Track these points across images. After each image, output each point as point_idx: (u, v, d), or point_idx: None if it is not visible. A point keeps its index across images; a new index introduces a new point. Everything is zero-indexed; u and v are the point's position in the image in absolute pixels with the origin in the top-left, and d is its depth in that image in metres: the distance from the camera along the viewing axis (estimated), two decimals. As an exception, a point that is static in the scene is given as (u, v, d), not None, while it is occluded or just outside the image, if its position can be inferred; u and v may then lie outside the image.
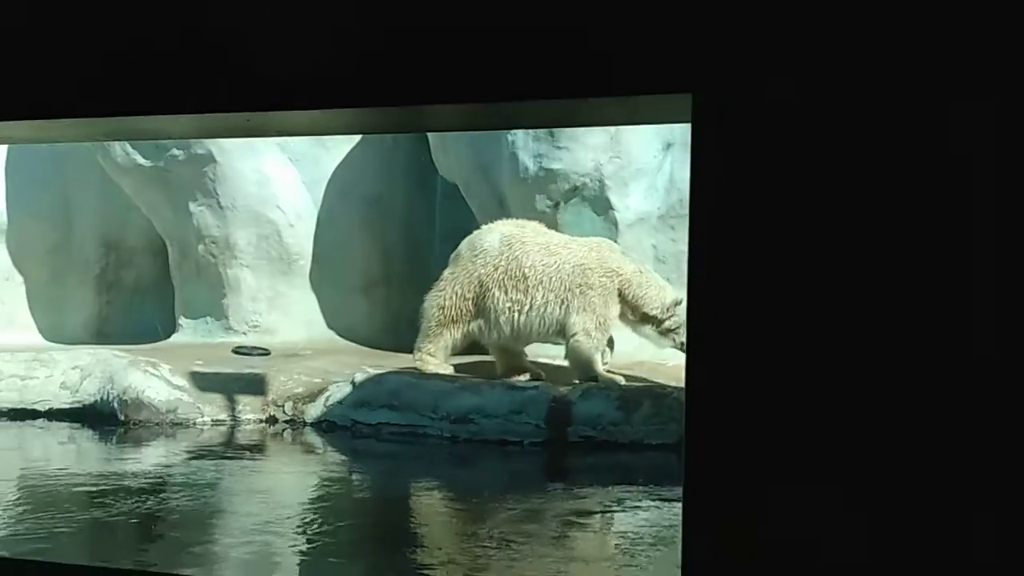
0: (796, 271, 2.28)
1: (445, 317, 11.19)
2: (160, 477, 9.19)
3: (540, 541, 7.04)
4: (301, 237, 14.67)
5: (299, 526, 7.38)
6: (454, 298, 11.19)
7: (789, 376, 2.30)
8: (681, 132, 11.64)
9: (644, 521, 7.66)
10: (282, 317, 14.44)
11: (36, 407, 11.36)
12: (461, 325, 11.20)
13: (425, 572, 6.34)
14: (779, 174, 2.37)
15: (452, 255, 11.74)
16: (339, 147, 14.62)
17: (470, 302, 11.16)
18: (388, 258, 15.00)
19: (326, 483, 9.17)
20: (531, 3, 2.41)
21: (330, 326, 14.58)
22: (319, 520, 7.59)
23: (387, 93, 2.54)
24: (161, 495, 8.32)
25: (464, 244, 11.64)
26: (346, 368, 11.46)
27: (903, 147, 2.30)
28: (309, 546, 6.77)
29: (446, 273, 11.59)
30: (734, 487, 2.32)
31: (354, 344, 13.95)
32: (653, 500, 7.97)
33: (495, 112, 2.61)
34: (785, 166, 2.35)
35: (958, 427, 2.20)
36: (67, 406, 11.32)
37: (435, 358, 11.17)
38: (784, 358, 2.32)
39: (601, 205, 12.64)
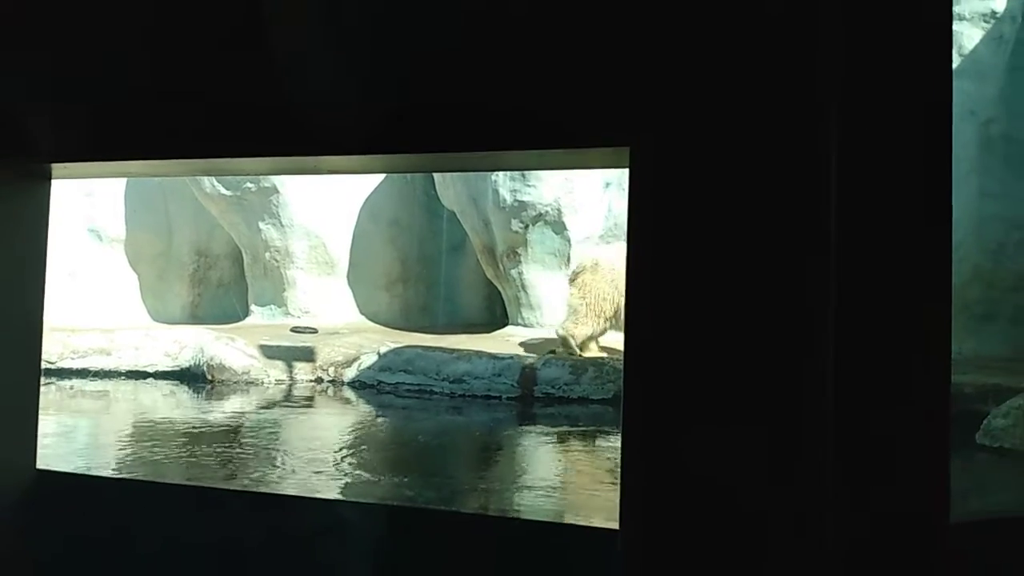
0: (705, 266, 2.28)
1: (589, 311, 10.91)
2: (239, 419, 9.15)
3: (512, 459, 7.13)
4: (341, 248, 14.69)
5: (339, 452, 7.37)
6: (593, 299, 10.92)
7: (707, 345, 2.30)
8: (617, 175, 11.69)
9: (587, 447, 7.72)
10: (326, 306, 14.42)
11: (146, 369, 11.28)
12: (599, 319, 10.94)
13: (433, 482, 6.33)
14: (692, 206, 2.36)
15: (574, 269, 11.40)
16: (371, 181, 14.64)
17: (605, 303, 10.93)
18: (404, 264, 15.03)
19: (359, 424, 9.15)
20: (511, 77, 2.40)
21: (362, 312, 14.57)
22: (355, 450, 7.58)
23: (404, 144, 2.52)
24: (240, 431, 8.28)
25: (585, 262, 11.31)
26: (373, 343, 11.43)
27: (794, 188, 2.29)
28: (346, 466, 6.75)
29: (580, 281, 11.13)
30: (662, 430, 2.32)
31: (379, 326, 13.95)
32: (592, 436, 8.09)
33: (481, 159, 2.61)
34: (697, 201, 2.35)
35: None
36: (168, 369, 11.24)
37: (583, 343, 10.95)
38: (698, 333, 2.32)
39: (559, 227, 12.68)
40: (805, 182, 2.27)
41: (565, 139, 2.47)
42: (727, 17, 2.41)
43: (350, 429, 8.66)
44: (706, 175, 2.36)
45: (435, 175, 13.57)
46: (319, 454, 7.14)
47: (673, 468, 2.36)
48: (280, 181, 14.02)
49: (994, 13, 11.24)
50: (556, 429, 8.69)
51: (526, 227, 12.67)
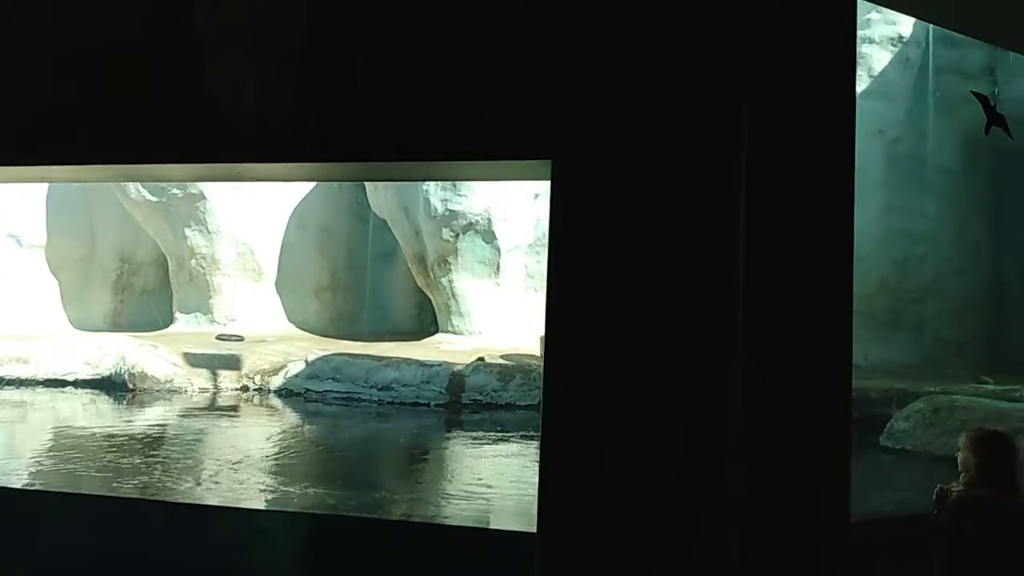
0: (621, 276, 2.35)
1: None
2: (160, 428, 8.90)
3: (437, 465, 7.12)
4: (269, 255, 14.47)
5: (263, 461, 7.25)
6: None
7: (616, 356, 2.36)
8: (545, 186, 11.79)
9: (511, 452, 7.76)
10: (253, 313, 14.17)
11: (65, 378, 10.92)
12: None
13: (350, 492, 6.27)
14: (610, 217, 2.43)
15: None
16: (300, 188, 14.44)
17: None
18: (334, 272, 14.88)
19: (283, 433, 9.01)
20: (437, 91, 2.43)
21: (290, 320, 14.37)
22: (277, 458, 7.46)
23: (330, 153, 2.53)
24: (159, 439, 8.06)
25: None
26: (301, 351, 11.29)
27: (692, 195, 2.37)
28: (268, 476, 6.64)
29: None
30: (579, 435, 2.37)
31: (308, 334, 13.75)
32: (519, 440, 8.12)
33: (408, 170, 2.63)
34: (615, 212, 2.42)
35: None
36: (89, 378, 10.90)
37: None
38: (615, 340, 2.38)
39: (489, 236, 12.72)
40: (716, 196, 2.36)
41: (490, 151, 2.52)
42: (646, 40, 2.50)
43: (274, 438, 8.51)
44: (624, 188, 2.43)
45: (366, 184, 13.48)
46: (240, 464, 6.99)
47: (590, 471, 2.41)
48: (207, 187, 13.73)
49: (901, 37, 11.73)
50: (483, 435, 8.71)
51: (457, 236, 12.69)
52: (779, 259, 2.36)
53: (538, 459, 2.42)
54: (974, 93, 3.78)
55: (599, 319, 2.39)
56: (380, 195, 13.49)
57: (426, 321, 14.19)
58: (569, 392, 2.40)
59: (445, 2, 2.50)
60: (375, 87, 2.48)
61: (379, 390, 9.87)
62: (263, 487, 6.14)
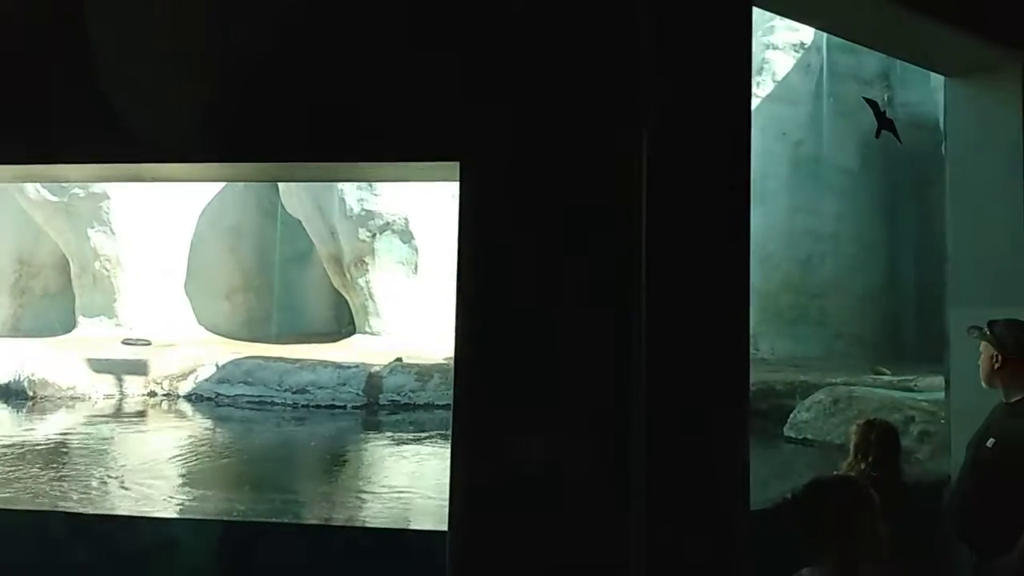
0: (528, 276, 2.39)
1: None
2: (62, 437, 8.57)
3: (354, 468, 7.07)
4: (178, 256, 14.05)
5: (171, 467, 7.07)
6: None
7: (523, 354, 2.39)
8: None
9: (428, 452, 7.75)
10: (162, 316, 13.73)
11: (-40, 386, 10.41)
12: None
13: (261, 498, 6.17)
14: (516, 217, 2.46)
15: None
16: (210, 187, 14.07)
17: None
18: (246, 273, 14.54)
19: (191, 439, 8.78)
20: (346, 93, 2.43)
21: (200, 323, 13.98)
22: (185, 465, 7.28)
23: (235, 153, 2.50)
24: (62, 450, 7.76)
25: None
26: (212, 355, 11.01)
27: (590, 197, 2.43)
28: (175, 483, 6.48)
29: None
30: (488, 436, 2.40)
31: (219, 337, 13.42)
32: (437, 441, 8.12)
33: (317, 171, 2.62)
34: (521, 213, 2.46)
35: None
36: (-15, 385, 10.42)
37: None
38: (521, 339, 2.42)
39: (407, 236, 12.66)
40: (618, 200, 2.42)
41: (398, 152, 2.52)
42: (550, 44, 2.54)
43: (182, 444, 8.28)
44: (529, 188, 2.47)
45: (279, 183, 13.23)
46: (143, 472, 6.79)
47: (498, 471, 2.44)
48: (111, 187, 13.25)
49: (803, 44, 12.19)
50: (399, 436, 8.67)
51: (373, 236, 12.58)
52: (679, 257, 2.44)
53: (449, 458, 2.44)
54: (866, 99, 3.98)
55: (506, 319, 2.42)
56: (293, 195, 13.28)
57: (343, 322, 14.02)
58: (477, 392, 2.43)
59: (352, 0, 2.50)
60: (278, 87, 2.46)
61: (293, 393, 9.72)
62: (168, 495, 5.99)
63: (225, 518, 4.71)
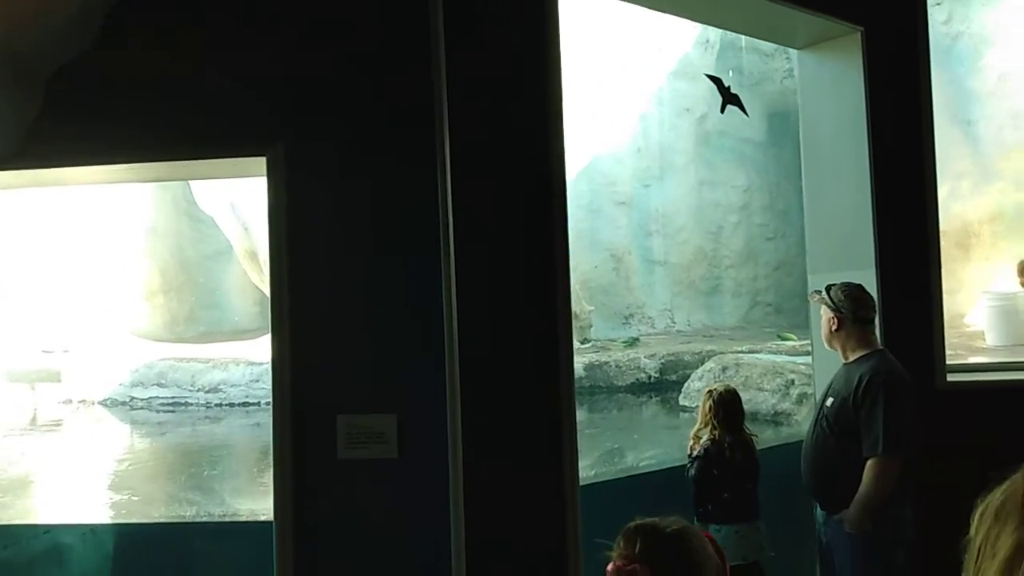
0: (339, 267, 2.38)
1: None
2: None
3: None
4: (94, 260, 13.65)
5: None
6: None
7: (343, 340, 2.39)
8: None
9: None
10: (81, 323, 13.34)
11: None
12: None
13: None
14: (322, 210, 2.45)
15: None
16: (122, 189, 13.67)
17: None
18: (164, 273, 14.21)
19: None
20: (149, 89, 2.38)
21: (121, 327, 13.63)
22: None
23: (51, 159, 2.43)
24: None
25: None
26: (129, 359, 10.75)
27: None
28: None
29: None
30: (307, 426, 2.40)
31: (140, 339, 13.10)
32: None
33: (127, 171, 2.57)
34: (326, 206, 2.45)
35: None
36: None
37: None
38: (335, 328, 2.41)
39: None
40: (423, 191, 2.41)
41: (204, 149, 2.48)
42: (356, 40, 2.51)
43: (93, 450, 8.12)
44: (333, 181, 2.46)
45: (190, 181, 12.95)
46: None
47: (321, 460, 2.43)
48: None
49: (706, 19, 12.32)
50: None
51: (289, 230, 12.44)
52: (487, 243, 2.45)
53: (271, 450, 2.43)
54: (708, 76, 4.05)
55: (315, 309, 2.42)
56: (206, 192, 13.02)
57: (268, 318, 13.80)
58: (296, 383, 2.42)
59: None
60: (77, 88, 2.41)
61: (206, 392, 9.59)
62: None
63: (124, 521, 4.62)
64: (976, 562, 0.81)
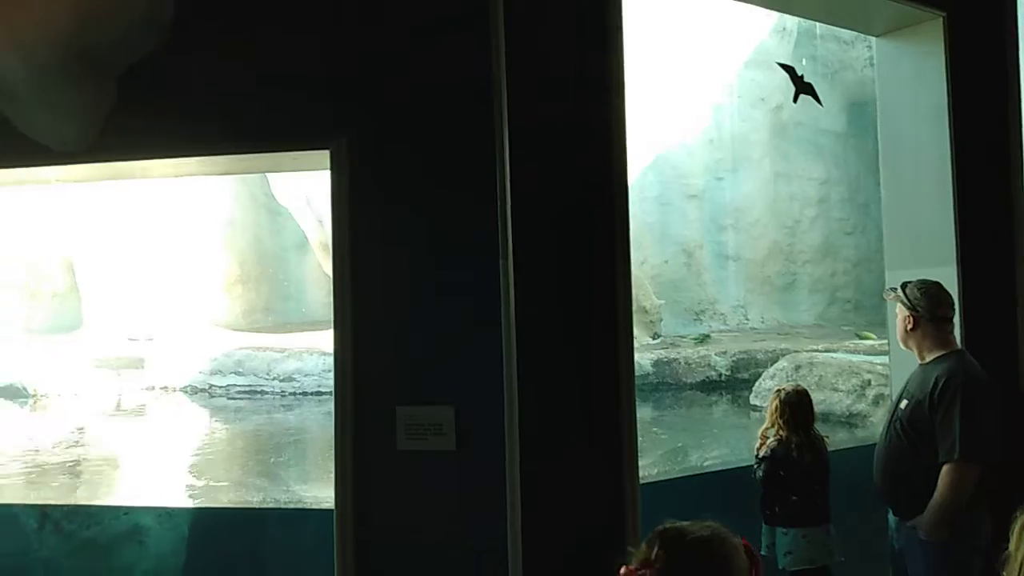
0: (403, 261, 2.40)
1: None
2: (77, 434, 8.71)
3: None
4: (175, 252, 14.10)
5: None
6: None
7: (408, 332, 2.41)
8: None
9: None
10: (165, 312, 13.81)
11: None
12: None
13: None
14: (387, 204, 2.47)
15: None
16: (200, 184, 14.08)
17: None
18: (243, 265, 14.59)
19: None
20: (217, 83, 2.43)
21: (202, 316, 14.07)
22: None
23: (109, 153, 2.51)
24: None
25: None
26: (208, 348, 11.09)
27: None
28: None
29: None
30: (370, 415, 2.41)
31: (219, 328, 13.49)
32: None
33: (184, 166, 2.63)
34: (391, 199, 2.46)
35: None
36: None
37: None
38: (404, 316, 2.42)
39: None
40: (483, 185, 2.40)
41: (268, 142, 2.52)
42: (419, 36, 2.51)
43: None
44: (395, 175, 2.47)
45: (267, 174, 13.26)
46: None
47: (381, 447, 2.45)
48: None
49: (783, 8, 11.99)
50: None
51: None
52: (547, 237, 2.43)
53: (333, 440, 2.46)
54: (781, 64, 3.91)
55: (383, 301, 2.44)
56: (284, 185, 13.31)
57: (342, 309, 14.02)
58: (359, 373, 2.44)
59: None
60: (147, 84, 2.47)
61: (281, 381, 9.82)
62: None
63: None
64: None
